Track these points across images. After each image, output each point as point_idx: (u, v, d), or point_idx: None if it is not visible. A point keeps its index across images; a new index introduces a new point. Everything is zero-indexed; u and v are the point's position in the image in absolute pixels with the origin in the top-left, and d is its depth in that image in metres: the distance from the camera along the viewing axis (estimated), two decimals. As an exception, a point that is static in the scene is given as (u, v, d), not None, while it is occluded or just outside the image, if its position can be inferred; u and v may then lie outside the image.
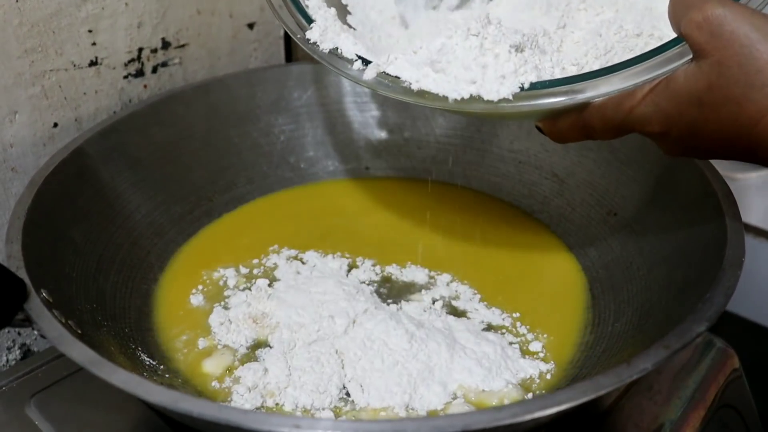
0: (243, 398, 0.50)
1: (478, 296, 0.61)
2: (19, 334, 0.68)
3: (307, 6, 0.54)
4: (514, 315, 0.59)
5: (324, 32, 0.51)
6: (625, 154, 0.65)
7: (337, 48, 0.50)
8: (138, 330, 0.56)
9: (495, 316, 0.58)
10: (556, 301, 0.60)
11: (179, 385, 0.51)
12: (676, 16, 0.42)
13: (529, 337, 0.57)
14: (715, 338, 0.64)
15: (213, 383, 0.53)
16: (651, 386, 0.59)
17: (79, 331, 0.47)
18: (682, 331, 0.41)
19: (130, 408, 0.54)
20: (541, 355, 0.55)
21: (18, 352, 0.68)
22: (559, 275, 0.63)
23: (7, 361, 0.67)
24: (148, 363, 0.52)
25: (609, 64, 0.45)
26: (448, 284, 0.62)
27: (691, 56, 0.41)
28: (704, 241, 0.52)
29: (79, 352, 0.41)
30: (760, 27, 0.38)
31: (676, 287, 0.52)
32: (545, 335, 0.57)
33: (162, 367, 0.53)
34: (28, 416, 0.54)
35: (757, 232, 0.83)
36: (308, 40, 0.52)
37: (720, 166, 0.59)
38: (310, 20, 0.53)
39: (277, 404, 0.50)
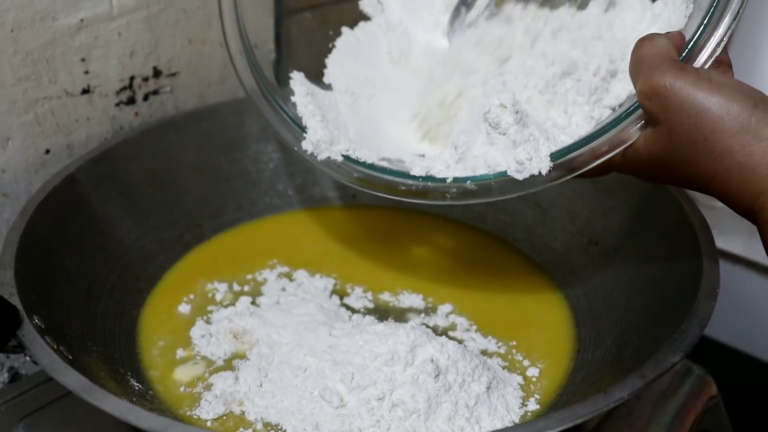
0: (210, 405, 0.52)
1: (475, 326, 0.62)
2: (8, 357, 0.68)
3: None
4: (510, 343, 0.60)
5: (317, 145, 0.56)
6: (606, 184, 0.66)
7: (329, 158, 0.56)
8: (127, 354, 0.57)
9: (491, 344, 0.60)
10: (545, 331, 0.61)
11: (152, 398, 0.53)
12: (632, 79, 0.45)
13: (525, 363, 0.58)
14: (693, 365, 0.65)
15: (181, 389, 0.54)
16: (631, 412, 0.60)
17: (70, 357, 0.48)
18: (658, 361, 0.42)
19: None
20: (534, 380, 0.56)
21: (6, 375, 0.69)
22: (544, 305, 0.64)
23: (-4, 384, 0.68)
24: (137, 388, 0.53)
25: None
26: (447, 315, 0.63)
27: (639, 126, 0.45)
28: (681, 272, 0.54)
29: (72, 379, 0.42)
30: (706, 96, 0.41)
31: (654, 316, 0.54)
32: (540, 362, 0.58)
33: (150, 392, 0.54)
34: (16, 440, 0.55)
35: (736, 259, 0.85)
36: (305, 151, 0.57)
37: (699, 194, 0.61)
38: (303, 128, 0.57)
39: (242, 412, 0.52)
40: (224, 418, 0.52)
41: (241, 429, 0.51)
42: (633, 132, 0.46)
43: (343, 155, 0.56)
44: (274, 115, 0.60)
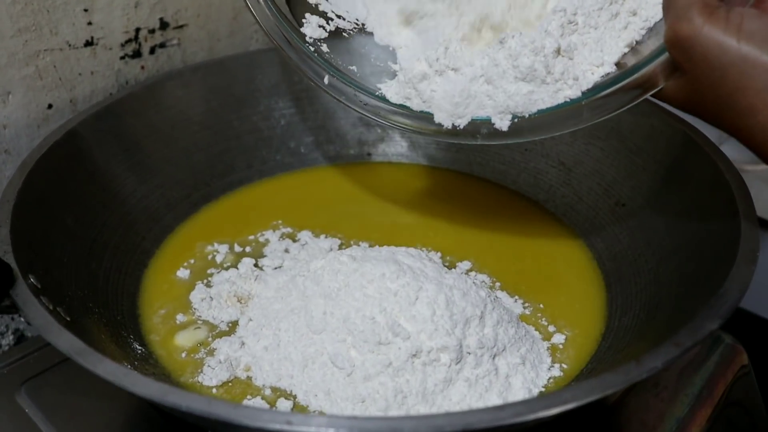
0: (213, 371, 0.50)
1: (499, 284, 0.59)
2: (12, 319, 0.66)
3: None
4: (538, 306, 0.57)
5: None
6: (634, 143, 0.63)
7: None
8: (130, 317, 0.54)
9: (518, 306, 0.57)
10: (575, 294, 0.58)
11: (155, 363, 0.50)
12: (663, 17, 0.43)
13: (551, 329, 0.55)
14: (723, 334, 0.62)
15: (182, 354, 0.52)
16: (657, 383, 0.57)
17: (68, 319, 0.46)
18: (694, 328, 0.39)
19: (122, 396, 0.52)
20: (561, 347, 0.53)
21: (11, 337, 0.67)
22: (573, 266, 0.61)
23: (0, 346, 0.66)
24: (140, 351, 0.51)
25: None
26: (467, 273, 0.60)
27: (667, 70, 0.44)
28: (716, 235, 0.50)
29: (65, 341, 0.39)
30: (732, 49, 0.39)
31: (686, 281, 0.51)
32: (568, 329, 0.55)
33: (153, 356, 0.51)
34: (18, 404, 0.53)
35: (766, 225, 0.81)
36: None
37: (729, 157, 0.57)
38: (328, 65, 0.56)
39: (249, 378, 0.50)
40: (230, 384, 0.49)
41: (248, 396, 0.48)
42: (660, 77, 0.44)
43: (375, 95, 0.54)
44: (294, 52, 0.57)
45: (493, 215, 0.67)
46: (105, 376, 0.36)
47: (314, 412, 0.46)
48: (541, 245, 0.64)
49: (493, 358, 0.48)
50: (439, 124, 0.51)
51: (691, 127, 0.59)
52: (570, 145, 0.67)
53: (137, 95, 0.66)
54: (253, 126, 0.72)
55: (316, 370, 0.48)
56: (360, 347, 0.47)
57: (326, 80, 0.55)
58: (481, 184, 0.71)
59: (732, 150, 0.59)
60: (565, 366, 0.51)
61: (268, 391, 0.48)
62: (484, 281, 0.59)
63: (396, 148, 0.75)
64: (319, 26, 0.57)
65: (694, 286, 0.49)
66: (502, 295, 0.58)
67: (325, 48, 0.57)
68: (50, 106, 0.65)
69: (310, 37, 0.57)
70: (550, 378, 0.50)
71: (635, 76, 0.45)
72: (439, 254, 0.62)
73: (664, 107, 0.62)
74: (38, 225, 0.52)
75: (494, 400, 0.46)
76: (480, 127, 0.50)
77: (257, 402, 0.47)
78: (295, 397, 0.48)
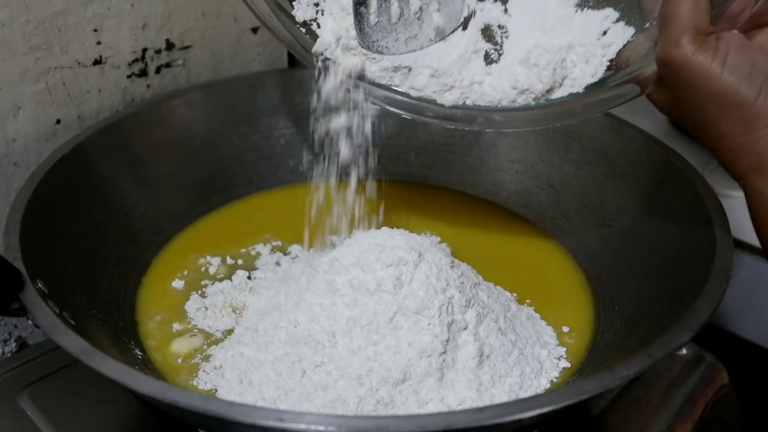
0: (208, 376, 0.52)
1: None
2: (15, 327, 0.68)
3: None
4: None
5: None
6: (620, 167, 0.65)
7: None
8: (131, 324, 0.56)
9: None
10: (565, 309, 0.60)
11: (153, 368, 0.52)
12: (658, 29, 0.46)
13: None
14: (705, 353, 0.64)
15: (178, 360, 0.54)
16: (639, 398, 0.59)
17: (73, 323, 0.48)
18: (666, 340, 0.41)
19: (122, 401, 0.54)
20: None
21: (14, 344, 0.69)
22: (564, 281, 0.63)
23: (3, 353, 0.68)
24: (140, 356, 0.53)
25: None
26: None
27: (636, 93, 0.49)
28: (694, 254, 0.53)
29: (71, 342, 0.41)
30: (715, 80, 0.43)
31: (665, 299, 0.53)
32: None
33: (152, 360, 0.53)
34: (20, 407, 0.55)
35: (751, 249, 0.84)
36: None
37: (716, 183, 0.60)
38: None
39: (242, 381, 0.51)
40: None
41: (242, 400, 0.50)
42: (649, 83, 0.48)
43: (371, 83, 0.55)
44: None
45: (486, 230, 0.69)
46: (110, 374, 0.39)
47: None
48: (531, 259, 0.66)
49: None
50: (436, 110, 0.54)
51: (674, 152, 0.62)
52: (559, 168, 0.70)
53: (143, 112, 0.68)
54: (253, 144, 0.74)
55: (305, 381, 0.50)
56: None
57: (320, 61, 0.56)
58: (473, 203, 0.73)
59: (720, 177, 0.62)
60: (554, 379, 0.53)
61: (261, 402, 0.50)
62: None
63: (391, 168, 0.77)
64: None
65: (672, 304, 0.51)
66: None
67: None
68: (58, 122, 0.68)
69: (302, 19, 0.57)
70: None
71: (626, 78, 0.49)
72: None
73: (649, 134, 0.65)
74: (46, 234, 0.54)
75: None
76: (476, 116, 0.53)
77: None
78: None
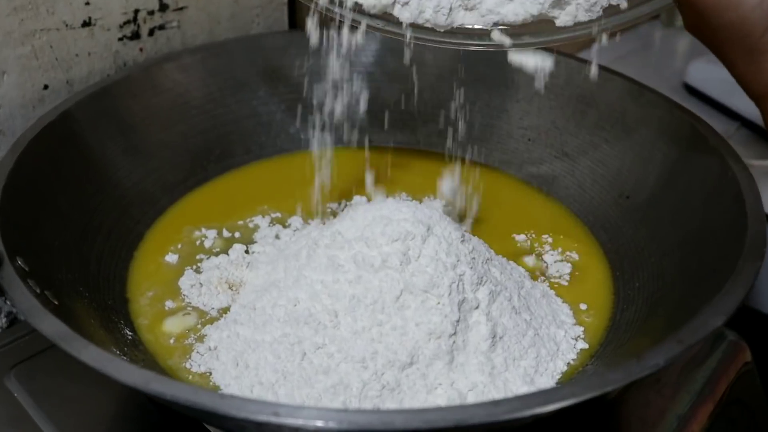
0: (202, 357, 0.49)
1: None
2: (5, 302, 0.65)
3: None
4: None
5: None
6: (640, 134, 0.62)
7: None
8: (121, 302, 0.53)
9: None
10: (584, 286, 0.57)
11: (143, 350, 0.49)
12: None
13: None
14: (726, 331, 0.61)
15: (170, 340, 0.51)
16: (659, 379, 0.56)
17: (56, 302, 0.45)
18: (697, 325, 0.38)
19: (113, 382, 0.51)
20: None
21: (4, 320, 0.66)
22: (580, 255, 0.60)
23: (-8, 329, 0.65)
24: (129, 336, 0.50)
25: None
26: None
27: None
28: (722, 230, 0.49)
29: (49, 325, 0.38)
30: (726, 11, 0.43)
31: (690, 277, 0.49)
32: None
33: (143, 340, 0.50)
34: (7, 387, 0.51)
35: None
36: None
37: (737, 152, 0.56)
38: None
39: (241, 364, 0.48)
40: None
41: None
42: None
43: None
44: None
45: (496, 201, 0.66)
46: (88, 362, 0.35)
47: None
48: (545, 232, 0.62)
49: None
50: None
51: (699, 119, 0.58)
52: (574, 136, 0.66)
53: (135, 77, 0.65)
54: (252, 110, 0.71)
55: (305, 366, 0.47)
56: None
57: None
58: (483, 171, 0.69)
59: (738, 145, 0.58)
60: (571, 362, 0.50)
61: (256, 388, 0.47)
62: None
63: (398, 135, 0.74)
64: None
65: (698, 282, 0.48)
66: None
67: None
68: (46, 87, 0.64)
69: None
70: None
71: None
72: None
73: (671, 100, 0.61)
74: (29, 207, 0.51)
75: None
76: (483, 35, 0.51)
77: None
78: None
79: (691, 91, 0.97)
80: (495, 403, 0.32)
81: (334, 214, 0.64)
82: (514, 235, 0.62)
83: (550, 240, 0.61)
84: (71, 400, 0.51)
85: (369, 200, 0.66)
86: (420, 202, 0.64)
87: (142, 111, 0.64)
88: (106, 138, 0.61)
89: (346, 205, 0.65)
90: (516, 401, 0.33)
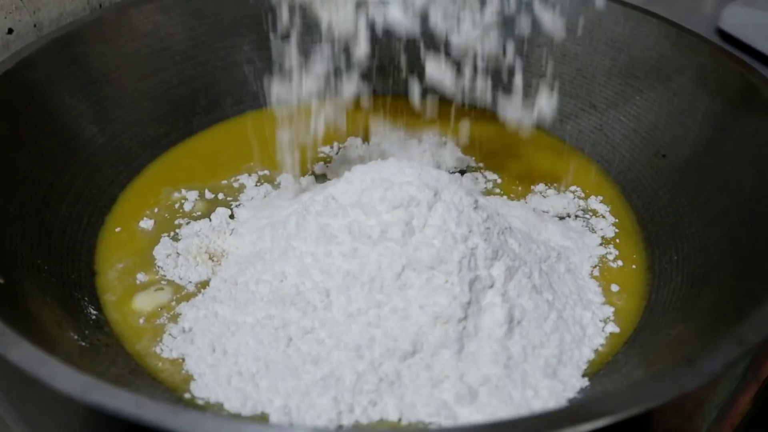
0: (174, 341, 0.43)
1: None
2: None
3: None
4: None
5: None
6: (680, 84, 0.54)
7: None
8: (87, 275, 0.47)
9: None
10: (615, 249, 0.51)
11: (108, 333, 0.43)
12: None
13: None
14: None
15: (140, 320, 0.44)
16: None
17: (2, 281, 0.38)
18: (761, 320, 0.31)
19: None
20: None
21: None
22: (609, 217, 0.53)
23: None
24: (93, 317, 0.43)
25: None
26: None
27: None
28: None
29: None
30: None
31: (739, 251, 0.43)
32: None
33: (108, 321, 0.44)
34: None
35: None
36: None
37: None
38: None
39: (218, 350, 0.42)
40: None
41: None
42: None
43: None
44: None
45: (516, 157, 0.59)
46: (17, 362, 0.29)
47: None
48: (570, 193, 0.56)
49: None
50: None
51: (749, 67, 0.50)
52: (603, 85, 0.59)
53: (108, 19, 0.57)
54: (244, 56, 0.63)
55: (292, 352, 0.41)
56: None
57: None
58: (502, 123, 0.62)
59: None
60: (599, 348, 0.43)
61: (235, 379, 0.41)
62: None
63: (405, 85, 0.66)
64: None
65: (750, 258, 0.41)
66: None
67: None
68: (10, 31, 0.57)
69: None
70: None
71: None
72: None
73: (717, 45, 0.53)
74: (-22, 167, 0.45)
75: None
76: None
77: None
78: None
79: (726, 37, 0.89)
80: (512, 424, 0.26)
81: (327, 160, 0.57)
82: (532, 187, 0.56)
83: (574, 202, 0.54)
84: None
85: (365, 141, 0.60)
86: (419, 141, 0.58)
87: (118, 58, 0.57)
88: (75, 89, 0.54)
89: (339, 149, 0.59)
90: (539, 420, 0.26)
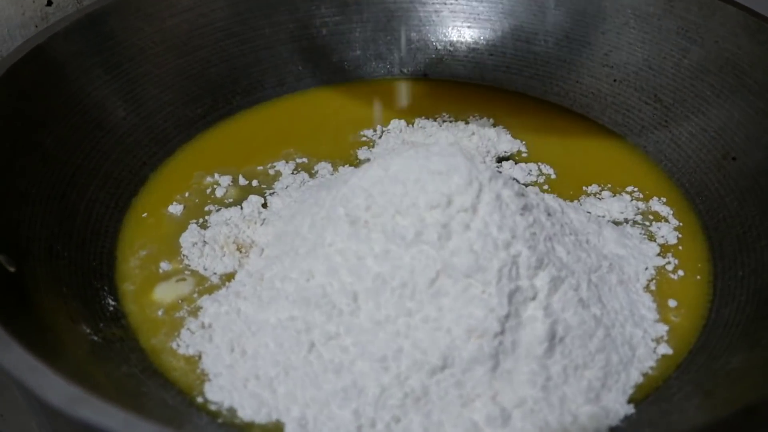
0: (192, 336, 0.40)
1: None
2: None
3: None
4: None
5: None
6: (756, 80, 0.49)
7: None
8: (108, 262, 0.45)
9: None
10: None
11: (124, 326, 0.41)
12: None
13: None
14: None
15: (159, 312, 0.42)
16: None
17: (12, 269, 0.37)
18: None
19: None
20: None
21: None
22: (669, 224, 0.49)
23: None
24: (110, 308, 0.41)
25: None
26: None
27: None
28: None
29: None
30: None
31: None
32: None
33: (125, 312, 0.42)
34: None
35: None
36: None
37: None
38: None
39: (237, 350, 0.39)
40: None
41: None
42: None
43: None
44: None
45: (571, 151, 0.55)
46: (5, 366, 0.27)
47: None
48: (629, 194, 0.51)
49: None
50: None
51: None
52: (671, 78, 0.54)
53: (148, -7, 0.55)
54: (288, 35, 0.61)
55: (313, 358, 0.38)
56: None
57: None
58: (557, 115, 0.58)
59: None
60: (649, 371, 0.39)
61: (252, 383, 0.38)
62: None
63: (459, 69, 0.63)
64: None
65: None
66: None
67: None
68: (50, 3, 0.56)
69: None
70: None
71: None
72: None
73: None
74: (4, 146, 0.43)
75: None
76: None
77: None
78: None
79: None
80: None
81: (370, 145, 0.54)
82: (585, 188, 0.52)
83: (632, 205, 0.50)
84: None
85: (409, 123, 0.56)
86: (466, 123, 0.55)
87: (156, 34, 0.55)
88: (110, 65, 0.52)
89: (383, 133, 0.56)
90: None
